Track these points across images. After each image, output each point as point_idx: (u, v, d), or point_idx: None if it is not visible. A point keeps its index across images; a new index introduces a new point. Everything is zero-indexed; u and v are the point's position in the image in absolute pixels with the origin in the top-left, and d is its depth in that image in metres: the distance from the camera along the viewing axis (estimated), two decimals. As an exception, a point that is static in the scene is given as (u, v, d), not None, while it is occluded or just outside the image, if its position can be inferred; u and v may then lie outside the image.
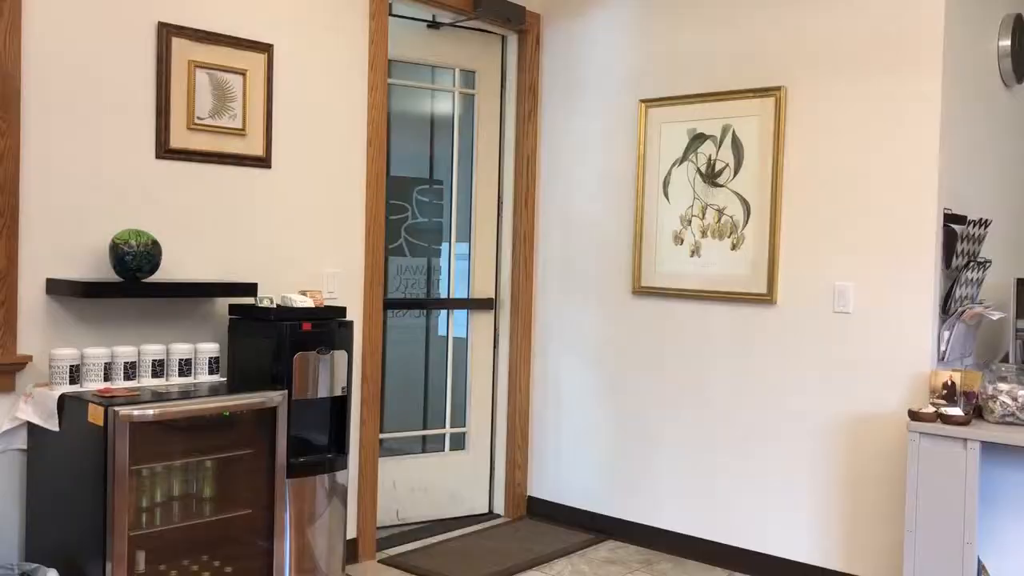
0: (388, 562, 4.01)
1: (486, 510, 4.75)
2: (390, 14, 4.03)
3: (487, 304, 4.73)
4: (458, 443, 4.74)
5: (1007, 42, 3.94)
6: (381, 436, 4.39)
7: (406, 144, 4.64)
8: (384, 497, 4.40)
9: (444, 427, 4.72)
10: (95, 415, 2.72)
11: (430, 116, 4.73)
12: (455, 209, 4.71)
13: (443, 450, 4.71)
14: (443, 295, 4.70)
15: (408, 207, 4.62)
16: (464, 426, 4.72)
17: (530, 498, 4.74)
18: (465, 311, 4.71)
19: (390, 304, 4.38)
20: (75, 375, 2.91)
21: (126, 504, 2.73)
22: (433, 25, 4.46)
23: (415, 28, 4.43)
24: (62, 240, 3.03)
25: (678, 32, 4.22)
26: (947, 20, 3.51)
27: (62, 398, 2.84)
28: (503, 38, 4.72)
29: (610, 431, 4.45)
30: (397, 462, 4.51)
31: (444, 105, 4.69)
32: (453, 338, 4.72)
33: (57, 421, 2.84)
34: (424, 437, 4.75)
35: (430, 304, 4.68)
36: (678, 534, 4.21)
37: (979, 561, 3.21)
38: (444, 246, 4.71)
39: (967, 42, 3.71)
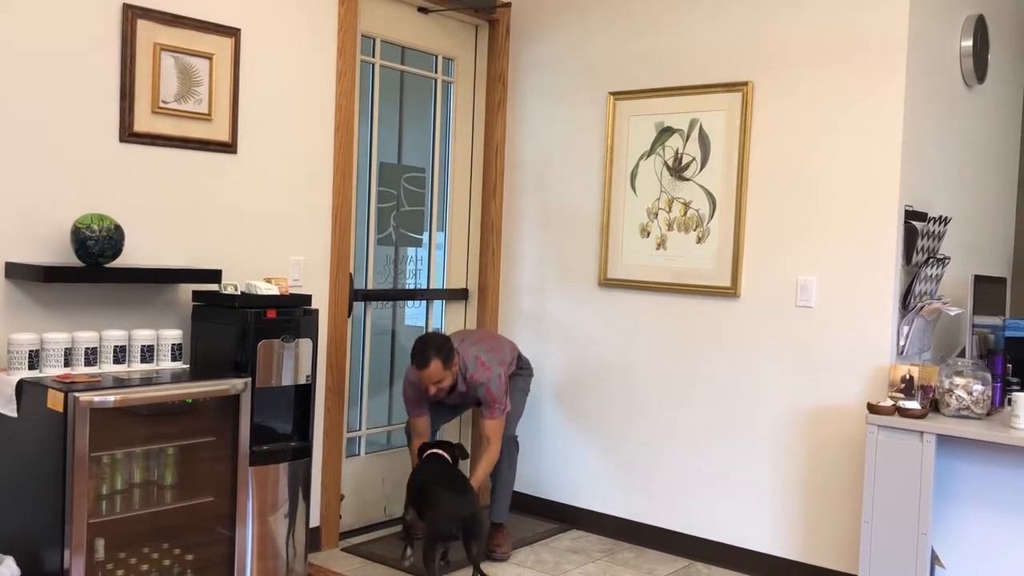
0: (351, 550, 4.00)
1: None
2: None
3: (461, 295, 4.73)
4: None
5: (969, 43, 4.00)
6: (368, 431, 4.40)
7: (393, 131, 4.56)
8: (372, 493, 4.38)
9: None
10: (55, 401, 2.69)
11: (418, 103, 4.66)
12: (435, 198, 4.67)
13: None
14: (423, 285, 4.66)
15: (396, 195, 4.51)
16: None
17: (494, 488, 4.75)
18: (442, 302, 4.70)
19: (368, 296, 4.33)
20: (34, 360, 2.87)
21: (85, 491, 2.70)
22: (423, 10, 4.43)
23: (406, 11, 4.38)
24: (22, 223, 2.98)
25: (647, 25, 4.24)
26: (911, 20, 3.56)
27: (21, 383, 2.81)
28: (477, 27, 4.71)
29: (575, 422, 4.47)
30: (387, 457, 4.48)
31: (429, 92, 4.65)
32: (433, 329, 4.67)
33: (15, 406, 2.80)
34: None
35: (406, 295, 4.61)
36: (640, 523, 4.25)
37: (933, 551, 3.28)
38: (425, 236, 4.67)
39: (930, 42, 3.77)
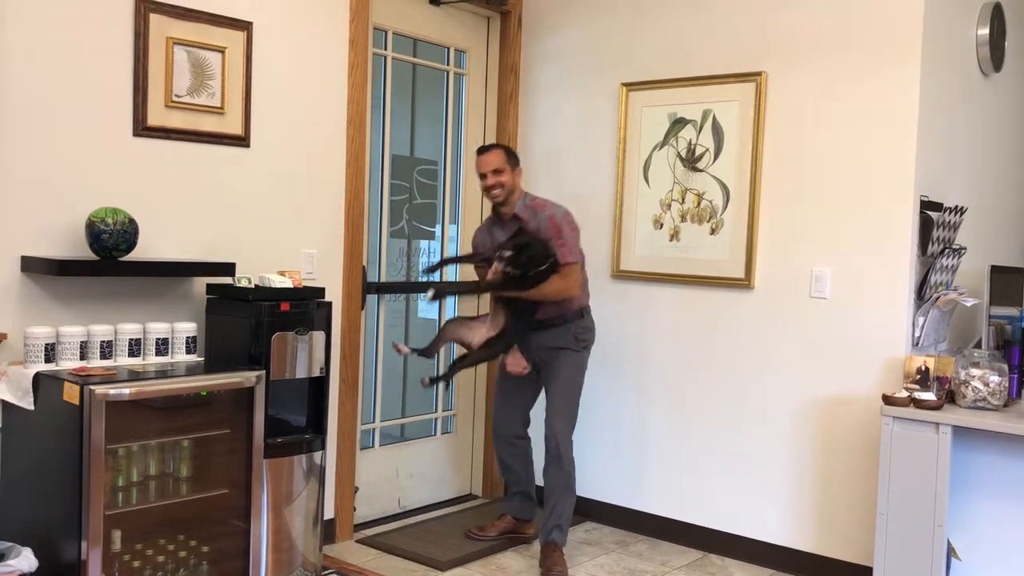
0: (365, 542, 4.02)
1: (468, 491, 4.78)
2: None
3: (473, 287, 4.71)
4: (451, 426, 4.74)
5: (985, 31, 3.96)
6: (382, 423, 4.40)
7: (405, 123, 4.53)
8: (386, 485, 4.39)
9: (435, 411, 4.68)
10: (71, 394, 2.70)
11: (430, 95, 4.62)
12: (448, 191, 4.64)
13: (435, 434, 4.68)
14: (436, 278, 4.65)
15: (408, 187, 4.49)
16: (452, 409, 4.73)
17: (508, 480, 4.75)
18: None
19: (381, 288, 4.33)
20: (50, 353, 2.89)
21: (102, 483, 2.72)
22: (434, 1, 4.41)
23: (418, 3, 4.36)
24: (37, 217, 3.00)
25: (660, 16, 4.22)
26: (926, 8, 3.53)
27: (37, 376, 2.82)
28: (489, 19, 4.70)
29: (589, 413, 4.45)
30: (401, 449, 4.49)
31: (441, 84, 4.62)
32: (446, 321, 4.67)
33: (32, 399, 2.82)
34: (434, 421, 4.68)
35: (419, 287, 4.55)
36: (654, 515, 4.24)
37: (948, 543, 3.26)
38: (437, 228, 4.64)
39: (946, 30, 3.73)
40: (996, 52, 4.08)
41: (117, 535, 2.82)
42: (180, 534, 2.99)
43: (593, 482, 4.45)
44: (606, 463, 4.41)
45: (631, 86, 4.29)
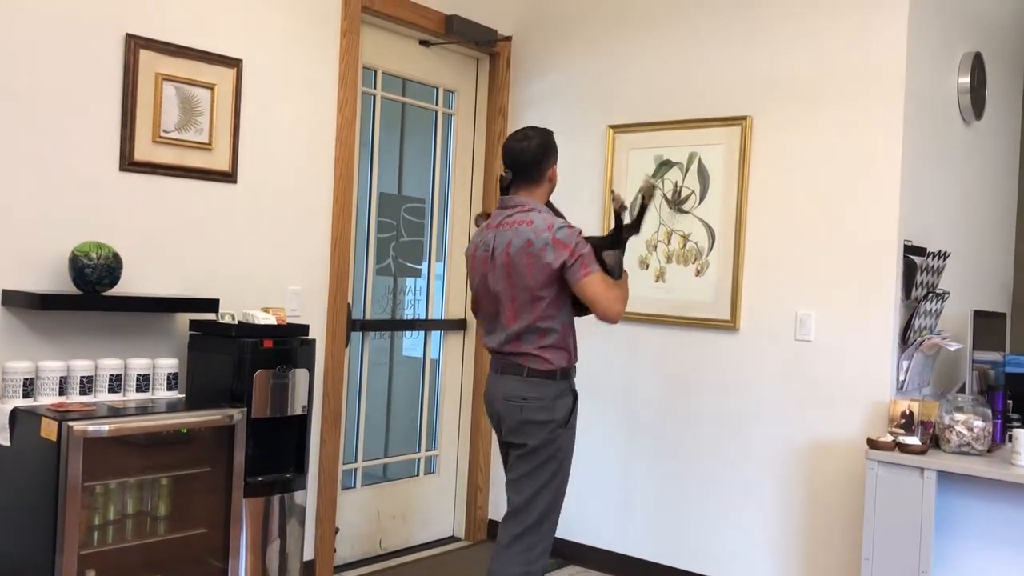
0: (346, 584, 3.96)
1: (450, 534, 4.72)
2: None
3: (459, 325, 4.71)
4: (434, 467, 4.71)
5: (966, 79, 4.02)
6: (364, 463, 4.36)
7: (394, 162, 4.55)
8: (367, 526, 4.34)
9: (418, 451, 4.65)
10: (48, 430, 2.67)
11: (419, 134, 4.65)
12: (435, 229, 4.66)
13: (417, 474, 4.64)
14: (421, 316, 4.64)
15: (395, 225, 4.50)
16: (436, 449, 4.70)
17: (492, 522, 4.71)
18: (440, 332, 4.69)
19: (365, 326, 4.33)
20: (29, 389, 2.85)
21: (77, 521, 2.67)
22: (424, 42, 4.46)
23: (408, 43, 4.41)
24: (20, 250, 2.98)
25: (647, 59, 4.27)
26: (908, 57, 3.58)
27: (14, 412, 2.79)
28: (478, 60, 4.75)
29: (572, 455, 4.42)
30: (383, 489, 4.45)
31: (430, 123, 4.65)
32: (431, 360, 4.67)
33: (8, 435, 2.78)
34: (417, 461, 4.64)
35: (404, 325, 4.60)
36: (639, 560, 4.20)
37: (934, 590, 3.24)
38: (424, 266, 4.65)
39: (928, 78, 3.79)
40: (977, 100, 4.14)
41: (91, 574, 2.77)
42: (157, 574, 2.94)
43: (578, 525, 4.41)
44: (591, 506, 4.38)
45: (618, 128, 4.33)
